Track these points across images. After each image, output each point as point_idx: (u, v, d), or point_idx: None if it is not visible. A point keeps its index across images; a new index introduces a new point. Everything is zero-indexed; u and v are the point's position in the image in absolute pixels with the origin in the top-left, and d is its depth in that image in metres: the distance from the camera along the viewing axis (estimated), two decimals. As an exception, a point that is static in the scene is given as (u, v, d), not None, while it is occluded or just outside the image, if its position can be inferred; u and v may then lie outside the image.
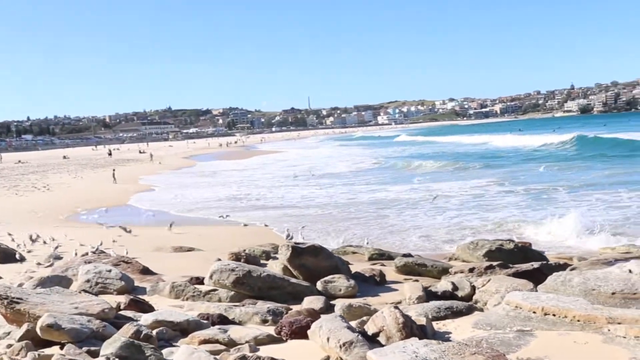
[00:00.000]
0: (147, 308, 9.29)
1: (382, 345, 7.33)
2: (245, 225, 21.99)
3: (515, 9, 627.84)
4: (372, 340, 7.31)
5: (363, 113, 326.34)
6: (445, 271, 12.60)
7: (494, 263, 11.45)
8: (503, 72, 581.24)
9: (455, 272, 11.50)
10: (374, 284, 12.02)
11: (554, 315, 7.79)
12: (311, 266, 11.45)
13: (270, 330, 8.17)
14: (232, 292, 10.41)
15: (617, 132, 69.49)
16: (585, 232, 16.89)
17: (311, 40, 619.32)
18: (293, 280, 10.92)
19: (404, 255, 14.29)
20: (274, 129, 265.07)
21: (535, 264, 11.45)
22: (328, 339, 7.13)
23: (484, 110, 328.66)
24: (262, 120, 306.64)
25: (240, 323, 8.78)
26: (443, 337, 8.00)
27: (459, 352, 6.41)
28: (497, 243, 13.85)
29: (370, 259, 14.79)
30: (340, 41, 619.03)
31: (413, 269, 12.91)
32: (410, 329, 7.46)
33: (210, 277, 10.65)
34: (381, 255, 14.94)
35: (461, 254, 14.18)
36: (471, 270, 11.27)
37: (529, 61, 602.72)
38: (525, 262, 12.48)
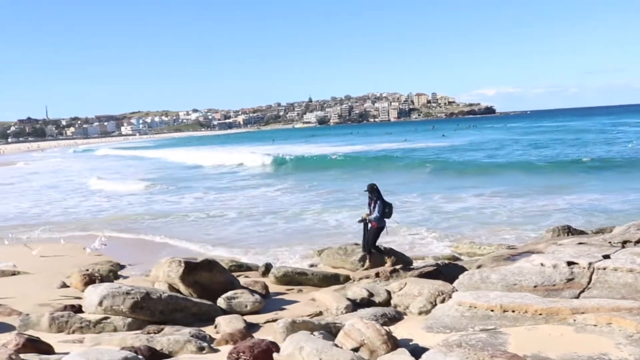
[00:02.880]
0: (46, 348, 7.60)
1: (367, 361, 6.78)
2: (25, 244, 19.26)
3: (255, 22, 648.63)
4: (354, 356, 6.69)
5: (105, 123, 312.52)
6: (326, 279, 12.20)
7: (397, 266, 11.25)
8: (245, 84, 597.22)
9: (360, 279, 11.10)
10: (261, 297, 11.22)
11: (513, 311, 7.82)
12: (206, 282, 10.37)
13: (219, 358, 7.13)
14: (130, 319, 8.99)
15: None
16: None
17: (49, 47, 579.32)
18: (196, 299, 9.73)
19: (268, 265, 13.64)
20: (10, 140, 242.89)
21: (432, 265, 11.50)
22: (321, 361, 6.38)
23: (227, 121, 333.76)
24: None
25: (170, 354, 7.53)
26: (408, 344, 7.61)
27: (479, 358, 6.13)
28: (364, 247, 13.72)
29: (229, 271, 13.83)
30: (79, 50, 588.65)
31: (293, 279, 12.31)
32: (394, 341, 7.00)
33: (100, 303, 9.05)
34: (240, 267, 14.10)
35: (329, 260, 13.75)
36: (377, 275, 10.96)
37: (269, 74, 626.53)
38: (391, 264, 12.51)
